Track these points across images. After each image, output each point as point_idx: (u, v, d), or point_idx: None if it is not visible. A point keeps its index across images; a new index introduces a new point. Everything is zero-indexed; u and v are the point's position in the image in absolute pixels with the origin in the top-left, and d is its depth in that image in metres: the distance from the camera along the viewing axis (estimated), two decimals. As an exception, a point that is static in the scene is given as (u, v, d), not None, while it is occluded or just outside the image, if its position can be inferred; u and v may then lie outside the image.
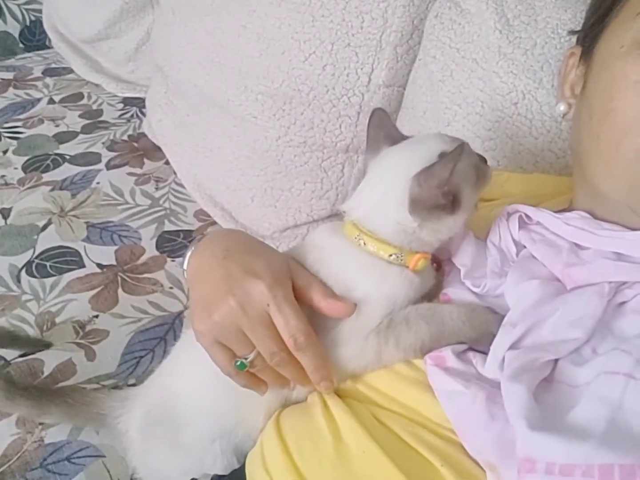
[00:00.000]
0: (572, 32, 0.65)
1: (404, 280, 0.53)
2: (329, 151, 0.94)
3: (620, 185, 0.50)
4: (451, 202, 0.52)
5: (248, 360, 0.52)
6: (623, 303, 0.47)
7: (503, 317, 0.49)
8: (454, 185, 0.52)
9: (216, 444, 0.59)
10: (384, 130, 0.57)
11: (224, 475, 0.57)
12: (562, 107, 0.60)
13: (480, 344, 0.51)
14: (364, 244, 0.54)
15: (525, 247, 0.55)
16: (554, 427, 0.39)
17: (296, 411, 0.55)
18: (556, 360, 0.46)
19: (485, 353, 0.49)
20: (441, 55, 0.82)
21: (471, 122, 0.78)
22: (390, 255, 0.53)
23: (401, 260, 0.53)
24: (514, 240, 0.56)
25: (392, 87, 0.90)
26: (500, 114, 0.75)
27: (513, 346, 0.46)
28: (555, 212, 0.55)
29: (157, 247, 1.03)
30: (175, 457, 0.61)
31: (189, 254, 0.60)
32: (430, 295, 0.57)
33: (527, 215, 0.56)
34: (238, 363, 0.52)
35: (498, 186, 0.67)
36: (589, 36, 0.56)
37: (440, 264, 0.60)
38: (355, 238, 0.54)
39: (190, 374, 0.62)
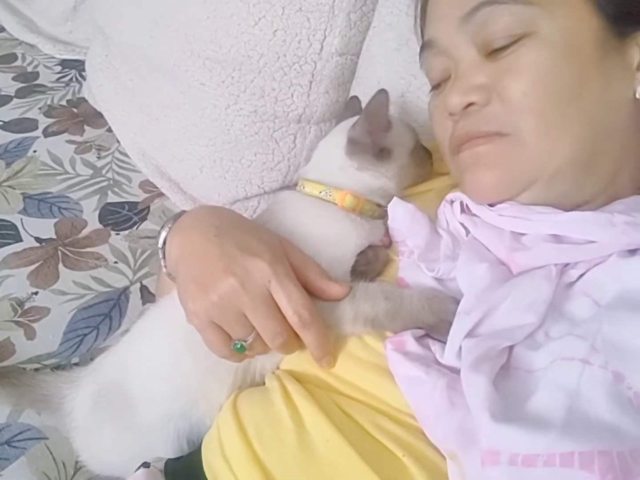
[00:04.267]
0: None
1: (352, 221, 0.59)
2: (281, 121, 0.92)
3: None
4: (381, 150, 0.61)
5: (248, 342, 0.51)
6: (571, 284, 0.48)
7: None
8: (383, 128, 0.62)
9: (171, 425, 0.57)
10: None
11: (178, 460, 0.55)
12: None
13: (437, 331, 0.51)
14: (303, 187, 0.62)
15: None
16: (515, 416, 0.40)
17: (254, 396, 0.54)
18: (511, 347, 0.46)
19: (442, 342, 0.49)
20: (397, 23, 0.80)
21: (425, 92, 0.76)
22: (320, 192, 0.61)
23: (330, 195, 0.60)
24: (460, 223, 0.56)
25: (345, 55, 0.87)
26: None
27: (469, 334, 0.46)
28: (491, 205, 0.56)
29: (100, 220, 0.99)
30: (123, 439, 0.59)
31: (164, 232, 0.58)
32: (378, 270, 0.59)
33: (466, 205, 0.57)
34: (238, 346, 0.51)
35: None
36: None
37: (390, 241, 0.61)
38: (299, 187, 0.63)
39: (151, 350, 0.60)
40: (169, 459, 0.55)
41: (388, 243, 0.61)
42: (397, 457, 0.44)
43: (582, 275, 0.48)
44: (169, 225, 0.58)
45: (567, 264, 0.49)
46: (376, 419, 0.47)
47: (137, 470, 0.53)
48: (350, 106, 0.73)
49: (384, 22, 0.82)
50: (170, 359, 0.58)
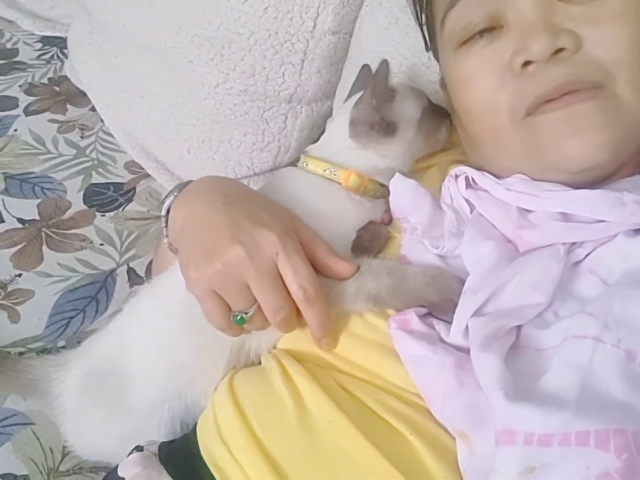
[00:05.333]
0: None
1: (353, 200, 0.58)
2: (271, 101, 0.90)
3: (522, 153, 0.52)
4: (387, 126, 0.59)
5: (248, 315, 0.49)
6: (577, 263, 0.48)
7: None
8: (386, 102, 0.59)
9: (166, 406, 0.56)
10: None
11: (172, 442, 0.54)
12: None
13: (440, 310, 0.50)
14: (306, 164, 0.61)
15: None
16: (529, 395, 0.39)
17: (251, 376, 0.53)
18: (519, 326, 0.46)
19: (445, 321, 0.48)
20: (387, 2, 0.78)
21: (417, 73, 0.75)
22: (325, 170, 0.59)
23: (334, 174, 0.59)
24: (465, 199, 0.55)
25: (338, 34, 0.85)
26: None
27: (476, 313, 0.45)
28: (498, 178, 0.54)
29: (85, 201, 0.96)
30: (114, 422, 0.58)
31: (169, 200, 0.56)
32: (380, 247, 0.58)
33: (472, 179, 0.56)
34: (238, 317, 0.50)
35: None
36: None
37: (391, 218, 0.60)
38: (302, 163, 0.61)
39: (147, 328, 0.59)
40: (162, 442, 0.53)
41: (388, 220, 0.60)
42: (403, 435, 0.44)
43: (588, 254, 0.47)
44: (175, 194, 0.56)
45: (573, 243, 0.48)
46: (381, 397, 0.46)
47: (129, 454, 0.51)
48: (362, 77, 0.70)
49: (375, 1, 0.80)
50: (167, 336, 0.57)
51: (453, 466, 0.42)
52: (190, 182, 0.58)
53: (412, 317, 0.48)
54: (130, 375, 0.57)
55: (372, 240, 0.58)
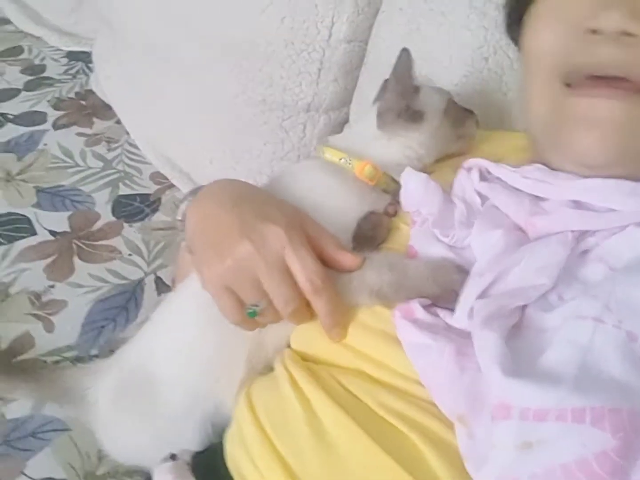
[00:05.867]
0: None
1: (361, 189, 0.60)
2: (290, 110, 0.91)
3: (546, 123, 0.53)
4: (413, 113, 0.61)
5: (260, 308, 0.51)
6: (586, 251, 0.48)
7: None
8: (412, 92, 0.61)
9: (197, 409, 0.58)
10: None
11: (203, 452, 0.56)
12: None
13: (443, 301, 0.50)
14: (323, 153, 0.62)
15: (488, 198, 0.55)
16: (526, 372, 0.39)
17: (265, 384, 0.54)
18: (523, 308, 0.46)
19: (449, 309, 0.49)
20: (408, 7, 0.79)
21: (439, 77, 0.76)
22: (340, 159, 0.61)
23: (349, 163, 0.60)
24: (477, 191, 0.56)
25: (353, 42, 0.86)
26: (469, 68, 0.73)
27: (481, 295, 0.46)
28: (514, 166, 0.55)
29: (113, 212, 0.99)
30: (149, 427, 0.60)
31: (183, 205, 0.59)
32: (383, 237, 0.59)
33: (487, 170, 0.57)
34: (250, 311, 0.51)
35: None
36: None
37: (396, 211, 0.61)
38: (318, 152, 0.63)
39: (175, 331, 0.61)
40: (196, 452, 0.55)
41: (393, 212, 0.61)
42: (405, 434, 0.44)
43: (598, 243, 0.47)
44: (189, 199, 0.59)
45: (584, 232, 0.48)
46: (380, 397, 0.47)
47: (163, 462, 0.53)
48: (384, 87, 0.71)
49: (394, 6, 0.81)
50: (192, 339, 0.59)
51: (454, 463, 0.42)
52: (202, 186, 0.60)
53: (416, 307, 0.49)
54: (162, 381, 0.59)
55: (372, 229, 0.58)
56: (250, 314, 0.52)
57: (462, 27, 0.74)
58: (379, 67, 0.85)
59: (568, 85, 0.51)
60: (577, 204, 0.49)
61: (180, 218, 0.59)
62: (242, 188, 0.58)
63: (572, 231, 0.48)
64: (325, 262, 0.52)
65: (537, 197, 0.53)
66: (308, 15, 0.85)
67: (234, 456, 0.51)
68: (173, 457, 0.53)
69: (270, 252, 0.50)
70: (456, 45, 0.75)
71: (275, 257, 0.50)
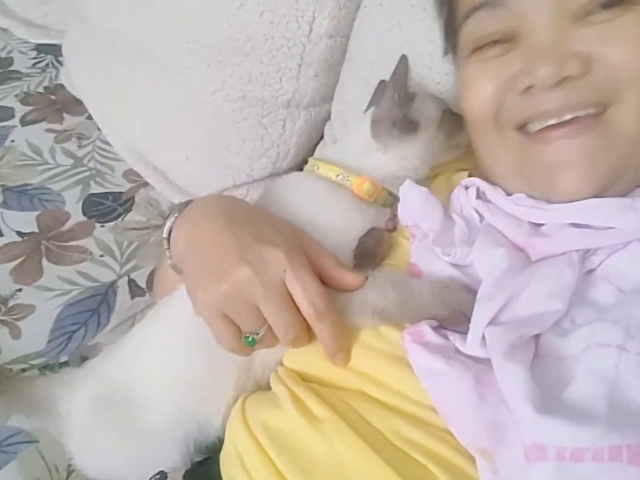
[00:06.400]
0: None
1: (360, 208, 0.58)
2: (269, 106, 0.89)
3: (518, 171, 0.54)
4: (409, 123, 0.59)
5: (259, 336, 0.49)
6: (591, 271, 0.47)
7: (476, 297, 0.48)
8: (407, 101, 0.59)
9: (179, 427, 0.55)
10: None
11: (194, 472, 0.53)
12: None
13: (451, 323, 0.49)
14: (317, 168, 0.60)
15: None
16: (556, 408, 0.38)
17: (263, 404, 0.52)
18: (537, 335, 0.45)
19: (458, 331, 0.47)
20: (388, 3, 0.77)
21: (419, 75, 0.74)
22: (337, 176, 0.59)
23: (347, 180, 0.58)
24: (475, 209, 0.55)
25: (334, 37, 0.84)
26: (450, 66, 0.72)
27: (492, 322, 0.44)
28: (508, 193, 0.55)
29: (84, 212, 0.95)
30: (126, 444, 0.57)
31: (170, 221, 0.55)
32: (384, 253, 0.58)
33: (482, 192, 0.56)
34: (250, 339, 0.49)
35: None
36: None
37: (395, 225, 0.60)
38: (311, 167, 0.60)
39: (160, 348, 0.58)
40: (186, 470, 0.53)
41: (393, 227, 0.60)
42: (423, 465, 0.43)
43: (602, 262, 0.47)
44: (175, 214, 0.56)
45: (587, 251, 0.47)
46: (394, 425, 0.45)
47: (153, 478, 0.51)
48: (379, 91, 0.70)
49: (375, 1, 0.79)
50: (179, 357, 0.56)
51: None
52: (190, 201, 0.57)
53: (425, 329, 0.47)
54: (144, 397, 0.57)
55: (375, 245, 0.57)
56: (250, 343, 0.49)
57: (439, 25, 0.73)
58: (360, 63, 0.83)
59: (522, 130, 0.52)
60: (577, 224, 0.49)
61: (165, 235, 0.56)
62: (236, 204, 0.56)
63: (577, 251, 0.47)
64: (324, 282, 0.50)
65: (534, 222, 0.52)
66: (288, 9, 0.82)
67: (232, 477, 0.49)
68: (163, 474, 0.50)
69: (270, 276, 0.47)
70: (438, 42, 0.73)
71: (275, 282, 0.47)
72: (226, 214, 0.52)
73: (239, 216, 0.52)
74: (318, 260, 0.50)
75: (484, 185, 0.55)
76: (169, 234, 0.56)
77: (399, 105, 0.59)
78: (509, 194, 0.54)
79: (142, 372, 0.58)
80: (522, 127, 0.51)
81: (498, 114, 0.52)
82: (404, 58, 0.59)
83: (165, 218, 0.57)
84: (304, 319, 0.48)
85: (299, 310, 0.48)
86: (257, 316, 0.48)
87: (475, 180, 0.56)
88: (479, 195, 0.55)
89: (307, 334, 0.49)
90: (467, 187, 0.57)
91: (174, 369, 0.56)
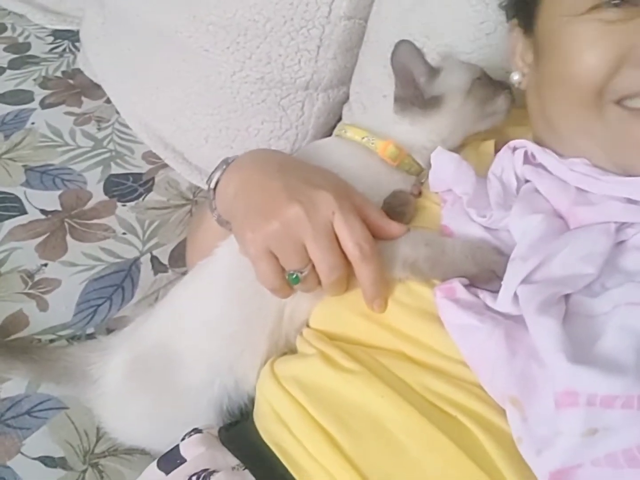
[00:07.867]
0: (502, 6, 0.66)
1: (385, 169, 0.60)
2: (288, 88, 0.90)
3: (602, 142, 0.52)
4: (428, 100, 0.60)
5: (303, 274, 0.50)
6: (623, 241, 0.48)
7: (508, 259, 0.49)
8: (429, 78, 0.61)
9: (216, 383, 0.57)
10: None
11: (229, 429, 0.55)
12: (516, 77, 0.63)
13: (481, 280, 0.50)
14: (345, 132, 0.62)
15: (526, 182, 0.55)
16: (588, 358, 0.40)
17: (293, 364, 0.53)
18: (567, 295, 0.46)
19: (488, 290, 0.49)
20: (411, -16, 0.78)
21: (440, 54, 0.75)
22: (363, 138, 0.60)
23: (372, 143, 0.60)
24: (515, 174, 0.55)
25: (353, 19, 0.85)
26: (471, 45, 0.73)
27: (525, 280, 0.45)
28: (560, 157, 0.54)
29: (105, 192, 0.97)
30: (161, 405, 0.59)
31: (217, 173, 0.57)
32: (410, 214, 0.59)
33: (532, 154, 0.56)
34: (294, 276, 0.50)
35: None
36: (523, 10, 0.59)
37: (420, 191, 0.61)
38: (340, 131, 0.63)
39: (196, 307, 0.60)
40: (221, 427, 0.54)
41: (417, 192, 0.61)
42: (454, 417, 0.44)
43: (635, 234, 0.48)
44: (223, 167, 0.57)
45: (623, 223, 0.49)
46: (423, 379, 0.47)
47: (187, 435, 0.52)
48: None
49: (396, -17, 0.80)
50: (217, 312, 0.58)
51: (505, 446, 0.42)
52: (236, 157, 0.59)
53: (457, 286, 0.48)
54: (182, 355, 0.58)
55: (401, 205, 0.58)
56: (294, 280, 0.51)
57: (465, 2, 0.74)
58: (379, 45, 0.84)
59: (620, 104, 0.50)
60: (625, 199, 0.49)
61: (212, 186, 0.58)
62: (285, 156, 0.58)
63: (615, 222, 0.48)
64: (369, 230, 0.51)
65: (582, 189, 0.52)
66: (307, -9, 0.84)
67: (270, 430, 0.51)
68: (198, 430, 0.52)
69: (319, 217, 0.49)
70: (459, 21, 0.75)
71: (323, 223, 0.49)
72: (275, 164, 0.54)
73: (287, 165, 0.54)
74: (363, 209, 0.52)
75: (534, 148, 0.55)
76: (215, 186, 0.58)
77: (414, 85, 0.60)
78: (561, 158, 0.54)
79: (180, 331, 0.60)
80: (620, 101, 0.49)
81: (607, 84, 0.49)
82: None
83: (213, 171, 0.58)
84: (347, 264, 0.50)
85: (343, 254, 0.50)
86: (303, 255, 0.49)
87: (525, 142, 0.56)
88: (527, 159, 0.56)
89: (346, 280, 0.51)
90: (515, 149, 0.57)
91: (212, 324, 0.58)
